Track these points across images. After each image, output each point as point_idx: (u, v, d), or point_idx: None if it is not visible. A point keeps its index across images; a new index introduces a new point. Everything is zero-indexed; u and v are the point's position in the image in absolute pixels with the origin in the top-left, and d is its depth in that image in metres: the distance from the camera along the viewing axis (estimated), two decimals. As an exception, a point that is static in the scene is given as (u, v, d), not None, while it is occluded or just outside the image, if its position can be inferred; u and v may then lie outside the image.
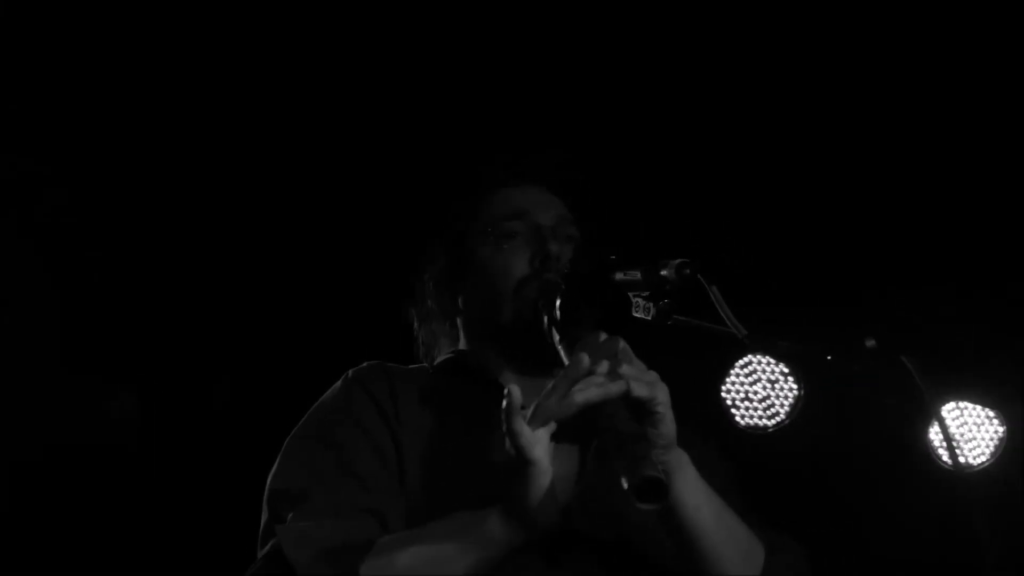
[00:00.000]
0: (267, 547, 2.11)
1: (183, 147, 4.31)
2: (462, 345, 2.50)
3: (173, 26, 4.03)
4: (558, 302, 2.15)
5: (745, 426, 4.66)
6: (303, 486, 2.16)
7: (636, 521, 2.16)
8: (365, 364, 2.40)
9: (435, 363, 2.49)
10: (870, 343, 1.95)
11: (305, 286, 4.40)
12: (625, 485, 1.80)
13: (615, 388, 1.93)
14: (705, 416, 4.32)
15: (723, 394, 4.66)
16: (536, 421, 1.95)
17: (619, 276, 2.11)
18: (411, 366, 2.50)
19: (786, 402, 4.67)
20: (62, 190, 4.46)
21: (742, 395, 4.68)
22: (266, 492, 2.21)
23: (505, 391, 1.96)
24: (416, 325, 2.58)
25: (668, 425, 2.01)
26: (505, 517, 1.98)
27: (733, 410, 4.66)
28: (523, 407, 2.02)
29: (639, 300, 2.10)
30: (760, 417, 4.68)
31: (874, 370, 1.92)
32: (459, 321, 2.50)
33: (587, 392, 1.93)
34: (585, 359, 1.96)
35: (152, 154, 4.37)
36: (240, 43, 4.00)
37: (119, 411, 4.39)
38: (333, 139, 4.21)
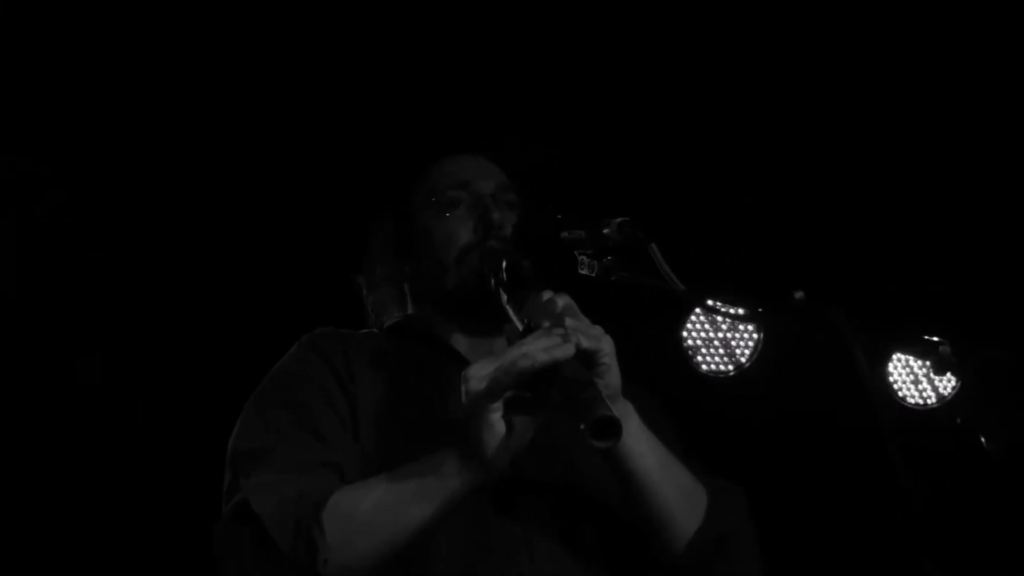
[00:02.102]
0: (232, 502, 2.19)
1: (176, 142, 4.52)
2: (410, 310, 2.59)
3: (172, 26, 4.24)
4: (504, 263, 2.27)
5: (707, 372, 4.83)
6: (264, 444, 2.24)
7: (585, 468, 2.30)
8: (318, 329, 2.51)
9: (384, 327, 2.59)
10: (798, 295, 2.09)
11: (257, 260, 4.50)
12: (581, 426, 1.90)
13: (573, 348, 2.03)
14: (655, 368, 4.49)
15: (684, 341, 4.83)
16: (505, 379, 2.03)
17: (564, 235, 2.22)
18: (362, 331, 2.60)
19: (747, 348, 4.84)
20: (62, 190, 4.65)
21: (704, 340, 4.85)
22: (228, 453, 2.29)
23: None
24: (365, 292, 2.68)
25: (613, 376, 2.12)
26: (461, 462, 2.07)
27: (697, 357, 4.83)
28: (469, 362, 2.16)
29: (584, 258, 2.21)
30: (721, 362, 4.85)
31: (803, 322, 2.06)
32: (406, 287, 2.61)
33: (541, 358, 2.02)
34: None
35: (152, 154, 4.58)
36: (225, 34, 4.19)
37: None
38: (288, 117, 4.30)
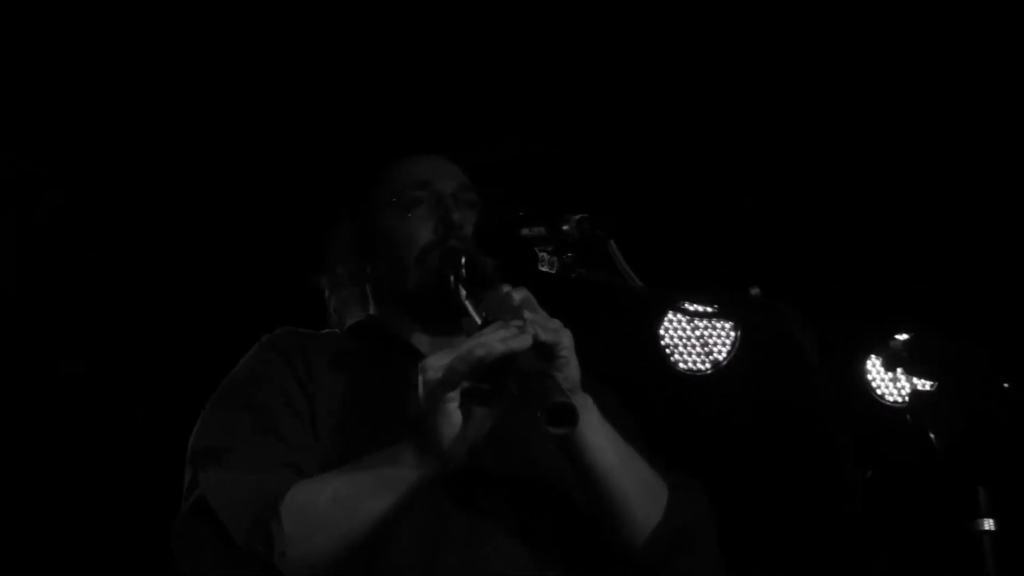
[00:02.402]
0: (191, 498, 2.20)
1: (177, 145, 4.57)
2: (372, 310, 2.59)
3: (172, 26, 4.29)
4: (463, 260, 2.29)
5: (684, 370, 4.84)
6: (224, 443, 2.25)
7: (545, 462, 2.30)
8: (279, 330, 2.52)
9: (346, 327, 2.60)
10: (754, 291, 2.11)
11: (221, 259, 4.62)
12: (537, 413, 1.93)
13: (530, 339, 2.06)
14: (632, 366, 4.54)
15: (661, 339, 4.85)
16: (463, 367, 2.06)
17: (525, 232, 2.22)
18: (323, 331, 2.61)
19: (724, 346, 4.86)
20: (62, 190, 4.69)
21: (680, 338, 4.86)
22: (188, 452, 2.29)
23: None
24: (327, 293, 2.69)
25: (573, 369, 2.13)
26: (418, 453, 2.09)
27: (674, 355, 4.85)
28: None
29: (544, 255, 2.21)
30: (698, 360, 4.86)
31: (756, 318, 2.09)
32: (368, 288, 2.61)
33: (497, 348, 2.05)
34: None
35: (152, 154, 4.63)
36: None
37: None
38: (275, 118, 4.36)
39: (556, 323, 2.15)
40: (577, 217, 2.22)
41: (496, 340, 2.06)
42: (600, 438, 2.23)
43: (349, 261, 2.64)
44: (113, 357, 4.67)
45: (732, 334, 4.83)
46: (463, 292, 2.29)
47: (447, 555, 2.21)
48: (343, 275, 2.65)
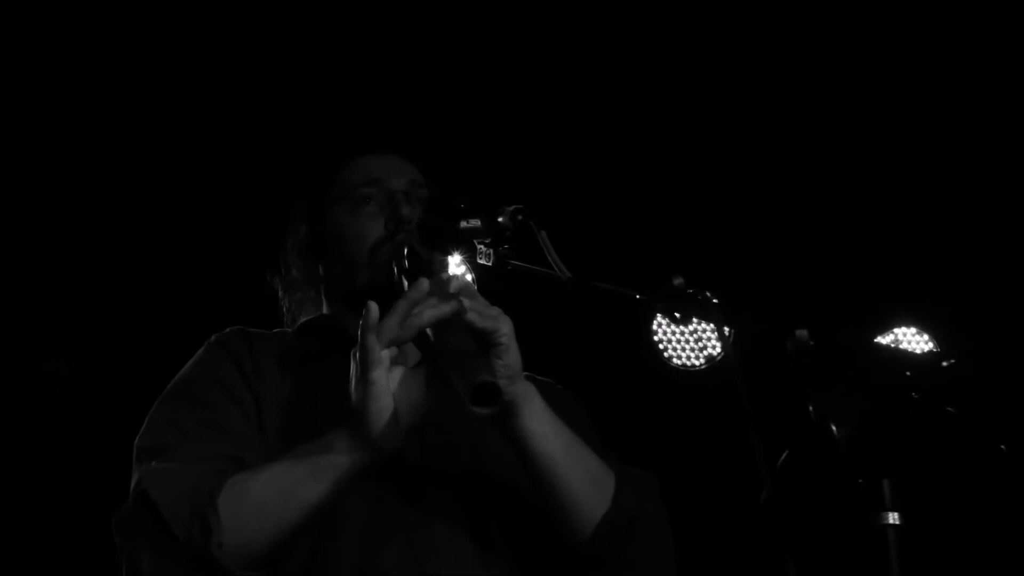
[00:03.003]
0: (135, 493, 2.21)
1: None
2: (325, 310, 2.62)
3: (171, 26, 4.36)
4: (406, 251, 2.33)
5: (678, 366, 4.82)
6: (168, 440, 2.27)
7: (492, 455, 2.32)
8: (228, 329, 2.53)
9: (296, 326, 2.61)
10: (677, 281, 2.14)
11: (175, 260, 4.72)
12: (462, 393, 1.96)
13: (450, 307, 2.10)
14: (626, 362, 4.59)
15: (654, 335, 4.81)
16: (380, 342, 2.11)
17: (464, 224, 2.22)
18: (274, 330, 2.62)
19: (718, 340, 4.86)
20: (59, 191, 4.75)
21: (674, 334, 4.82)
22: (134, 451, 2.31)
23: (364, 311, 2.12)
24: (281, 294, 2.71)
25: (513, 356, 2.16)
26: (350, 439, 2.12)
27: (668, 351, 4.81)
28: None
29: (482, 247, 2.23)
30: (692, 356, 4.82)
31: (680, 307, 2.12)
32: (321, 287, 2.64)
33: (425, 313, 2.11)
34: (424, 282, 2.14)
35: (149, 154, 4.70)
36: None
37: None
38: (204, 121, 4.47)
39: (495, 310, 2.18)
40: (511, 208, 2.25)
41: (421, 308, 2.12)
42: (543, 426, 2.24)
43: (302, 262, 2.67)
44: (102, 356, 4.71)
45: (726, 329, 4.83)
46: (406, 283, 2.31)
47: (391, 551, 2.24)
48: (297, 277, 2.68)
